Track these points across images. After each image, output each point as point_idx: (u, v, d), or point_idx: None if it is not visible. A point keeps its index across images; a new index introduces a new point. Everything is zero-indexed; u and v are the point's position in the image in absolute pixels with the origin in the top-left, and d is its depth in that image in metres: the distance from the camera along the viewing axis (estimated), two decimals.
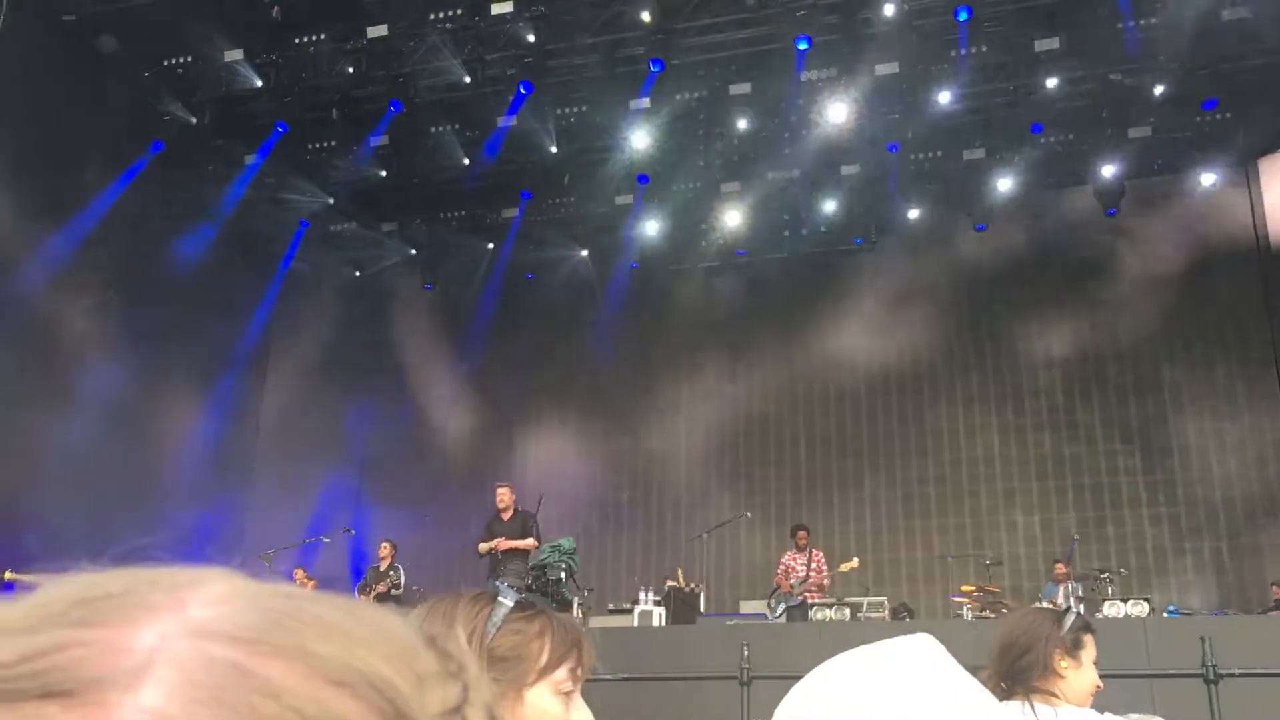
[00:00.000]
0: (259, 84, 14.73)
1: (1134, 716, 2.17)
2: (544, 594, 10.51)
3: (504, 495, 10.81)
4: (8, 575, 12.52)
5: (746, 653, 8.17)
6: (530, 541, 10.64)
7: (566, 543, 10.54)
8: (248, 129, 15.62)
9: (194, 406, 15.55)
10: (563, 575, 10.33)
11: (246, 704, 0.36)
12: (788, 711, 0.92)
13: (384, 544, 12.14)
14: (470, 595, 1.43)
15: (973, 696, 0.86)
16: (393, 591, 11.37)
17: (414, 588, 11.95)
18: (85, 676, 0.36)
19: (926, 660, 0.89)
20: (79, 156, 13.67)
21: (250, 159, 15.90)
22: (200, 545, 14.44)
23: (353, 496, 16.87)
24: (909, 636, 0.92)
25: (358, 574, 14.32)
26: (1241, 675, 7.31)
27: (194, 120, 15.38)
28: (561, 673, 1.38)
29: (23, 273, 13.15)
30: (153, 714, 0.35)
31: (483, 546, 10.84)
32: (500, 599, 1.41)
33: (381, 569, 11.76)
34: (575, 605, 10.38)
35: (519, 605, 1.42)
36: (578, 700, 1.40)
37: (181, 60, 14.64)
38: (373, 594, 11.41)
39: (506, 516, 10.76)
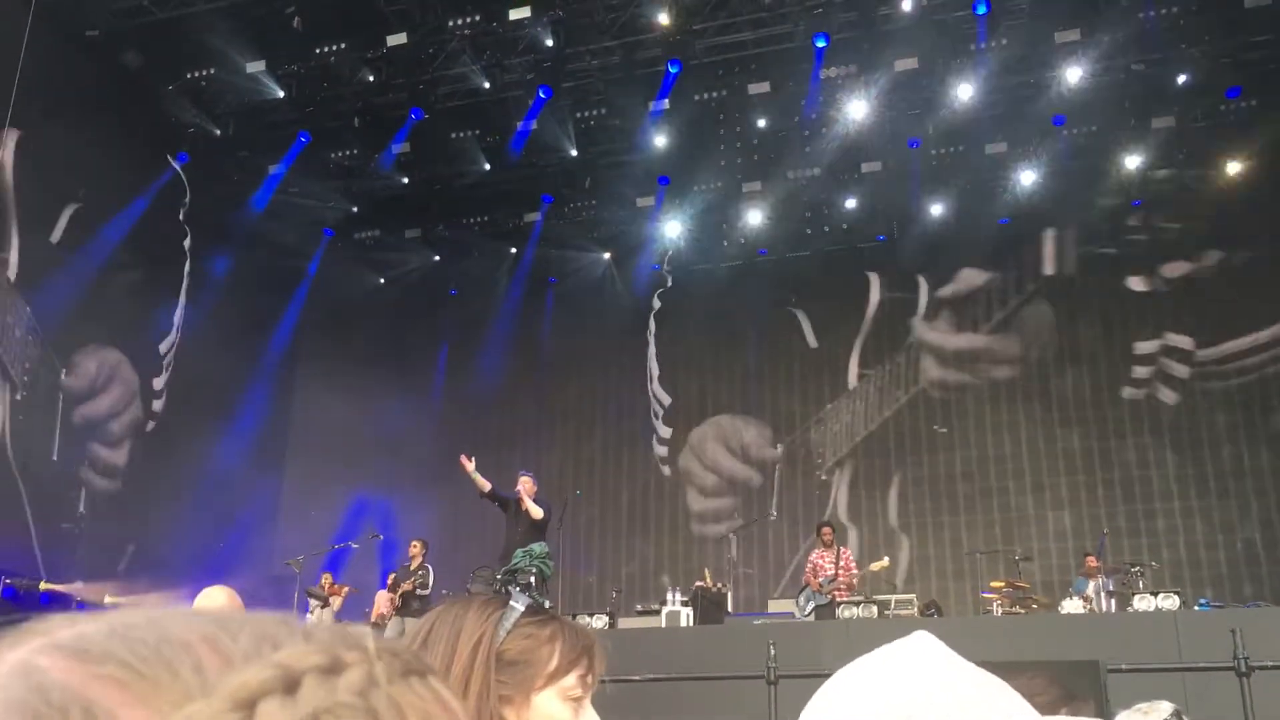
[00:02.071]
0: (281, 94, 14.86)
1: (1141, 705, 2.15)
2: None
3: (526, 484, 10.83)
4: (44, 586, 12.70)
5: (773, 652, 8.17)
6: (538, 511, 10.65)
7: (539, 547, 10.55)
8: (271, 139, 15.77)
9: (223, 415, 15.67)
10: (532, 580, 10.35)
11: (12, 699, 0.38)
12: None
13: (415, 543, 12.11)
14: (481, 599, 1.44)
15: (979, 694, 0.86)
16: (418, 590, 11.38)
17: (443, 590, 11.96)
18: None
19: (928, 662, 0.89)
20: (105, 170, 13.81)
21: (274, 169, 16.05)
22: (231, 554, 14.56)
23: (382, 501, 16.95)
24: (906, 639, 0.92)
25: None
26: (1274, 668, 7.25)
27: (218, 132, 15.54)
28: (571, 679, 1.38)
29: (51, 285, 13.31)
30: None
31: (471, 469, 10.81)
32: (512, 603, 1.42)
33: (411, 568, 11.78)
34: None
35: (530, 610, 1.43)
36: (587, 707, 1.40)
37: (204, 73, 14.78)
38: (399, 592, 11.44)
39: (523, 507, 10.76)
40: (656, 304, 18.37)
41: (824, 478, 17.05)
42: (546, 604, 10.09)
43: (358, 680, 0.40)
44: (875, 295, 17.31)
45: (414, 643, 1.36)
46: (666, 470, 17.80)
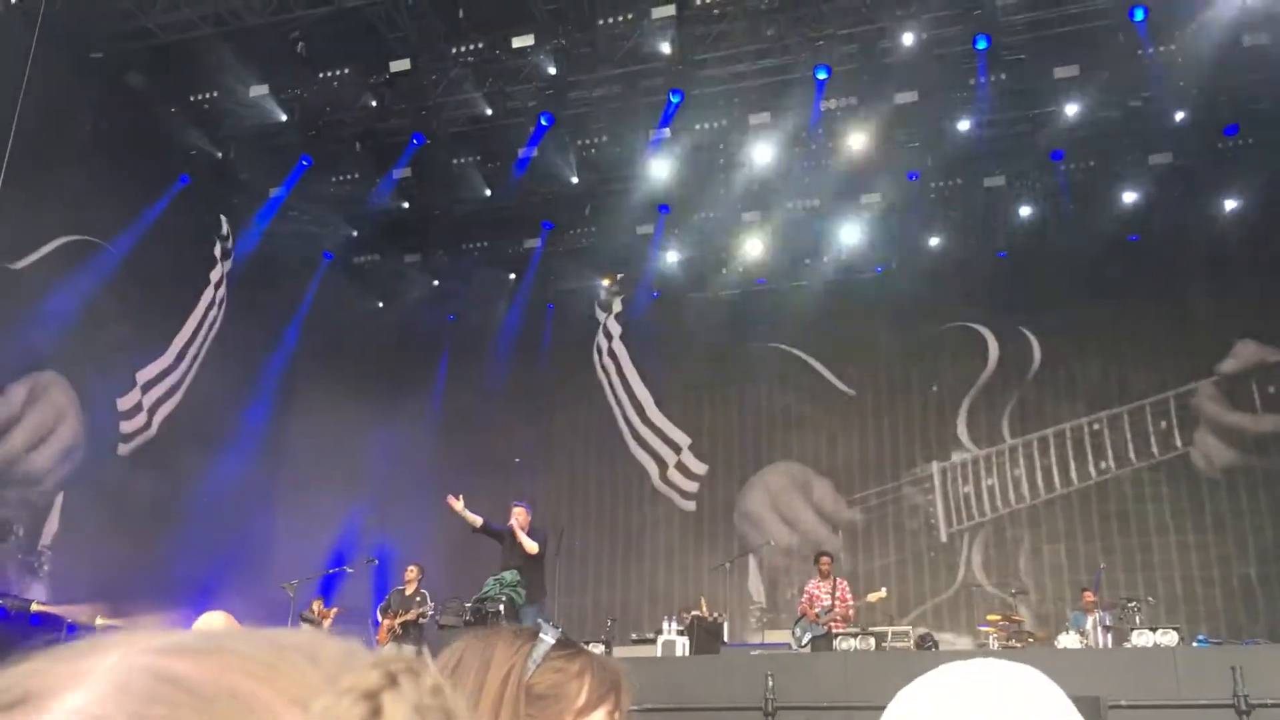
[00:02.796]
0: (283, 118, 14.91)
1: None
2: (481, 623, 10.49)
3: (519, 515, 10.72)
4: (35, 608, 12.62)
5: (771, 683, 8.13)
6: (532, 545, 10.54)
7: (509, 575, 10.52)
8: (272, 163, 15.80)
9: (219, 437, 15.62)
10: (501, 609, 10.32)
11: (149, 693, 0.43)
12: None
13: (411, 567, 12.00)
14: (510, 631, 1.44)
15: None
16: (420, 620, 11.29)
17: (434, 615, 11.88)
18: (34, 689, 0.43)
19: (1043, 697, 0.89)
20: (106, 191, 13.82)
21: (275, 192, 16.08)
22: (225, 577, 14.48)
23: (377, 526, 16.88)
24: (1022, 667, 0.92)
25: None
26: (1274, 705, 7.22)
27: (219, 154, 15.60)
28: (599, 715, 1.37)
29: (50, 306, 13.29)
30: (77, 714, 0.42)
31: (459, 507, 10.68)
32: (542, 635, 1.41)
33: (407, 593, 11.68)
34: None
35: (560, 643, 1.42)
36: None
37: (207, 95, 14.84)
38: (396, 619, 11.33)
39: (519, 540, 10.65)
40: (615, 328, 18.40)
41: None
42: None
43: (430, 683, 0.47)
44: (874, 327, 17.30)
45: (442, 672, 1.35)
46: (691, 506, 17.64)
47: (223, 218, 16.00)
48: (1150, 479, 15.63)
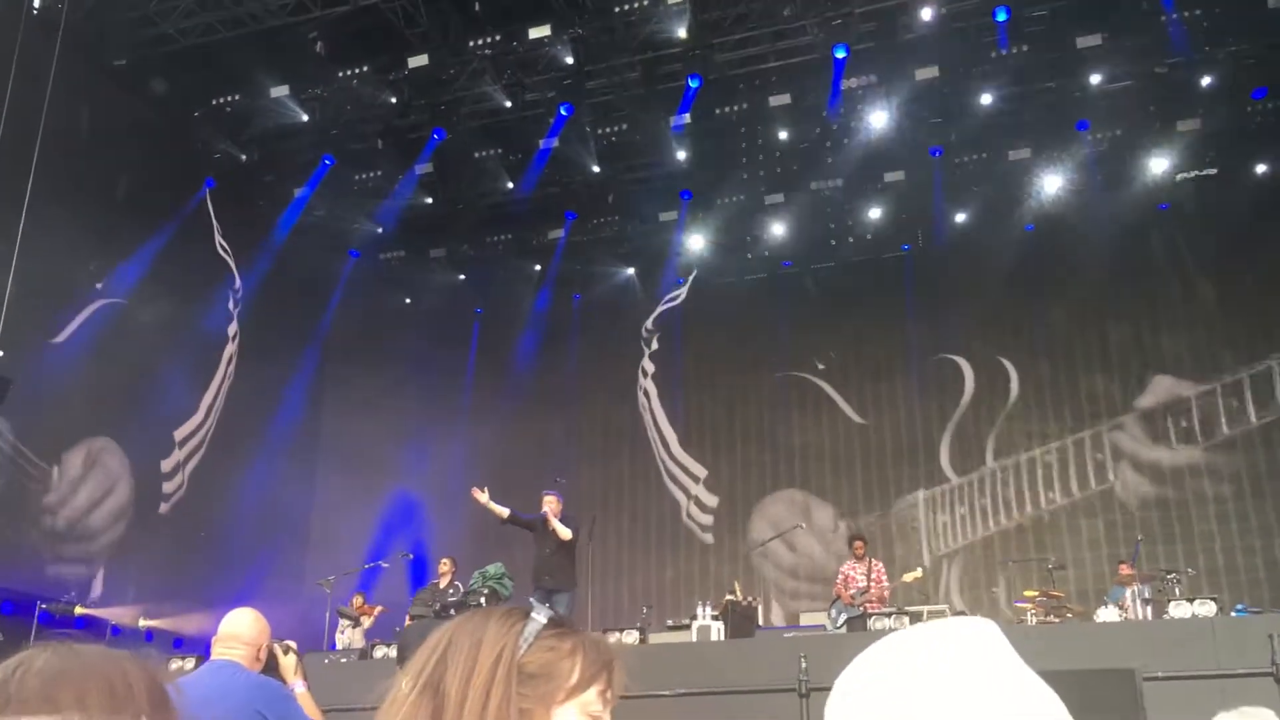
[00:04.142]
0: (305, 118, 15.00)
1: (1246, 709, 2.11)
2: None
3: (552, 503, 10.70)
4: (79, 610, 12.81)
5: (805, 665, 8.12)
6: (566, 532, 10.51)
7: (493, 568, 10.49)
8: (296, 163, 15.91)
9: (254, 437, 15.78)
10: (483, 600, 10.30)
11: None
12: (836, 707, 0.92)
13: (444, 561, 12.06)
14: (502, 610, 1.43)
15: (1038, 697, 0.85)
16: (452, 612, 11.33)
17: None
18: None
19: (985, 651, 0.88)
20: (133, 198, 13.97)
21: (299, 192, 16.19)
22: (262, 575, 14.64)
23: (413, 520, 17.01)
24: (966, 620, 0.91)
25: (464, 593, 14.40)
26: None
27: (243, 157, 15.72)
28: (591, 694, 1.37)
29: (81, 312, 13.46)
30: None
31: (484, 499, 10.64)
32: (533, 615, 1.41)
33: (441, 585, 11.75)
34: None
35: (552, 622, 1.42)
36: None
37: (229, 99, 14.94)
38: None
39: (553, 527, 10.62)
40: (681, 317, 18.38)
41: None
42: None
43: None
44: (902, 304, 17.22)
45: (434, 653, 1.36)
46: (710, 539, 17.67)
47: (235, 271, 16.05)
48: (1189, 450, 15.46)
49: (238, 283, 16.13)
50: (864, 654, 0.90)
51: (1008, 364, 16.70)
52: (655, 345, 18.54)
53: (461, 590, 11.76)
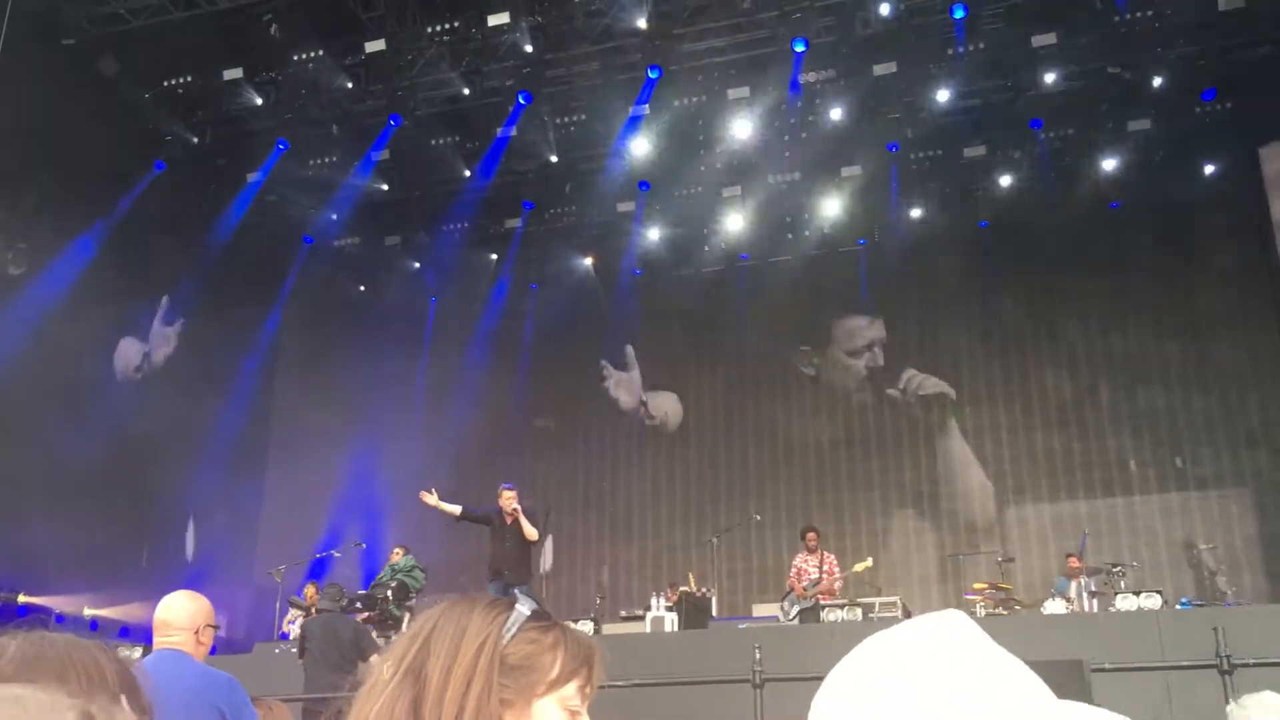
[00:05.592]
0: (259, 102, 14.80)
1: (1263, 695, 2.14)
2: (371, 609, 10.50)
3: (510, 499, 10.59)
4: (22, 599, 12.59)
5: (759, 655, 8.17)
6: (533, 532, 10.45)
7: (404, 561, 10.53)
8: (249, 147, 15.68)
9: (202, 424, 15.56)
10: (390, 593, 10.32)
11: None
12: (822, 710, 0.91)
13: (397, 549, 11.97)
14: (486, 601, 1.43)
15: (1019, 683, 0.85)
16: (358, 605, 11.23)
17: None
18: None
19: (964, 641, 0.88)
20: (82, 178, 13.71)
21: (252, 177, 15.94)
22: (212, 564, 14.47)
23: (365, 509, 16.88)
24: (938, 614, 0.91)
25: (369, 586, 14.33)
26: (1256, 665, 7.30)
27: (195, 140, 15.47)
28: (570, 689, 1.37)
29: (29, 293, 13.20)
30: None
31: (433, 501, 10.55)
32: (518, 606, 1.41)
33: None
34: (405, 622, 10.16)
35: (535, 615, 1.42)
36: (584, 719, 1.39)
37: (182, 80, 14.68)
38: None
39: (510, 520, 10.53)
40: (636, 309, 18.40)
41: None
42: (407, 617, 10.00)
43: None
44: (857, 299, 17.36)
45: (417, 639, 1.35)
46: (650, 473, 17.73)
47: (165, 299, 15.86)
48: (1134, 445, 15.73)
49: (187, 267, 15.90)
50: (840, 669, 0.89)
51: (959, 357, 16.89)
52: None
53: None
